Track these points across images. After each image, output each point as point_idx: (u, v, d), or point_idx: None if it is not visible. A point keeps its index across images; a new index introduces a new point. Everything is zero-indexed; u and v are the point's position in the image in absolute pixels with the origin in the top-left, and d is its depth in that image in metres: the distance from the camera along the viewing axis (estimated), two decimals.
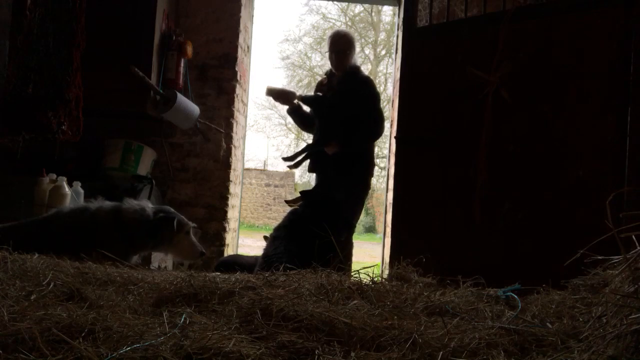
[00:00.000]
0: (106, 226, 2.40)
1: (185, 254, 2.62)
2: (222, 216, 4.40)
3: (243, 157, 5.20)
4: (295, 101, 3.68)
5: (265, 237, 3.57)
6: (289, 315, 1.22)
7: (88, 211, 2.44)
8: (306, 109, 3.75)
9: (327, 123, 3.54)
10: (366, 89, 3.56)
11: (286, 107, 3.75)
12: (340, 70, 3.64)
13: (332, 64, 3.68)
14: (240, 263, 3.01)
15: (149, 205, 2.56)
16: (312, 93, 3.87)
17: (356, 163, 3.52)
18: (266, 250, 2.89)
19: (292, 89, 3.84)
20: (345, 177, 3.44)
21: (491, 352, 1.09)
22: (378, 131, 3.56)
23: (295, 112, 3.75)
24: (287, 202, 3.55)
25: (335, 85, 3.64)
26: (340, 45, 3.61)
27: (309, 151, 3.65)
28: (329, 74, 3.77)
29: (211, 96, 4.41)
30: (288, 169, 3.67)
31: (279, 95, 3.70)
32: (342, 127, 3.46)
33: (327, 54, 3.71)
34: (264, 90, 3.75)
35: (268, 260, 2.70)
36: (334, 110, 3.52)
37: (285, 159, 3.69)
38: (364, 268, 1.81)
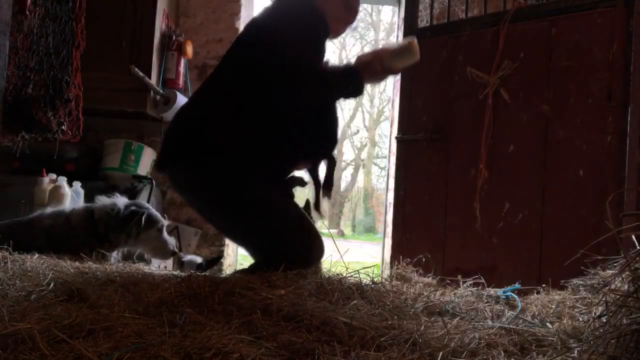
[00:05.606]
0: (79, 229, 2.36)
1: (156, 251, 2.52)
2: None
3: None
4: None
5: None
6: (289, 315, 1.22)
7: (63, 215, 2.42)
8: None
9: None
10: None
11: None
12: None
13: None
14: None
15: (121, 201, 2.48)
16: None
17: None
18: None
19: None
20: None
21: (491, 352, 1.09)
22: None
23: None
24: None
25: None
26: None
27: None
28: None
29: None
30: None
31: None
32: None
33: None
34: None
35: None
36: None
37: None
38: (364, 268, 1.80)
